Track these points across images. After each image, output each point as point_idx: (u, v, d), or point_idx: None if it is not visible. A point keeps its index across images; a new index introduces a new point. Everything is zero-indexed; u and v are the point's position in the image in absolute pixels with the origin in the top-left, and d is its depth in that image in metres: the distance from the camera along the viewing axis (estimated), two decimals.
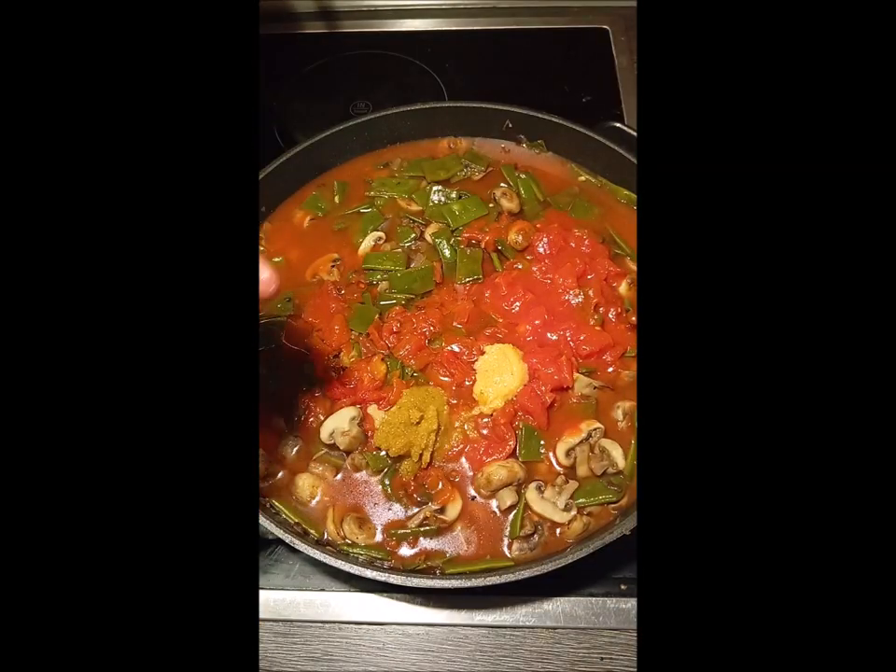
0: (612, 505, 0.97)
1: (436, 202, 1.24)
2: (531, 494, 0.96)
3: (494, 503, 0.97)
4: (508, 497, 0.95)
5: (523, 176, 1.27)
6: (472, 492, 0.98)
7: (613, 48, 1.69)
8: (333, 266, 1.17)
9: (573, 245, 1.16)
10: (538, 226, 1.19)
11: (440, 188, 1.25)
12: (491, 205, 1.23)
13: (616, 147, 1.21)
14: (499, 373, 1.02)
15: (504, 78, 1.63)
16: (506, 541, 0.95)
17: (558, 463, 1.00)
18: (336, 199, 1.27)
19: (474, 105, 1.30)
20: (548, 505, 0.95)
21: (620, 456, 0.98)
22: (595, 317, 1.09)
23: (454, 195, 1.24)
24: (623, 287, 1.13)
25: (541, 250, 1.15)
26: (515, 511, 0.95)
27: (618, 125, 1.28)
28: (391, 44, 1.72)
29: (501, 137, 1.33)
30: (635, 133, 1.24)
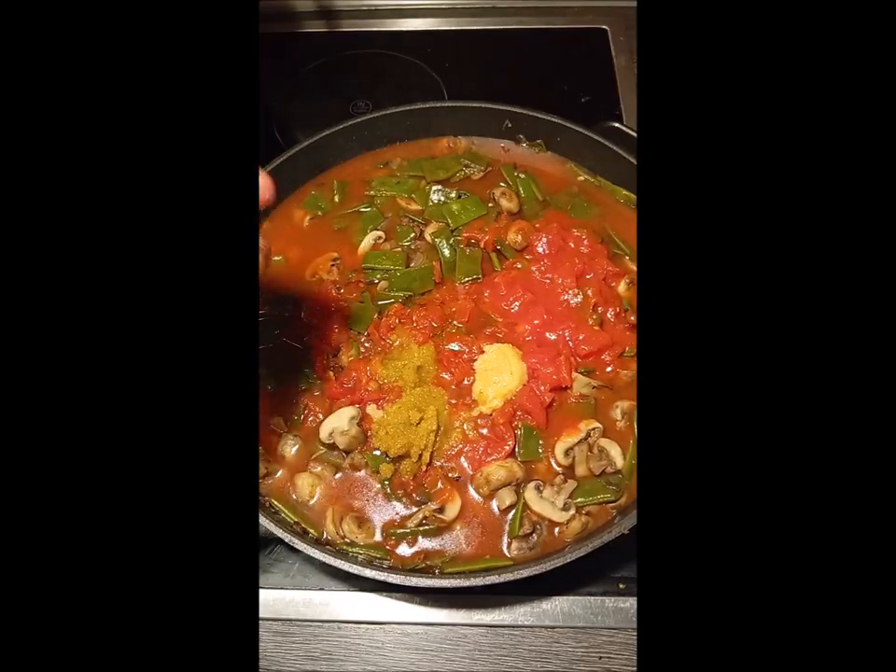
0: (611, 504, 0.97)
1: (435, 201, 1.24)
2: (530, 493, 0.96)
3: (494, 503, 0.97)
4: (507, 497, 0.95)
5: (522, 176, 1.27)
6: (472, 492, 0.98)
7: (612, 48, 1.69)
8: (333, 265, 1.17)
9: (572, 244, 1.16)
10: (536, 226, 1.19)
11: (439, 187, 1.25)
12: (490, 205, 1.23)
13: (615, 147, 1.21)
14: (498, 373, 1.02)
15: (504, 78, 1.63)
16: (505, 541, 0.95)
17: (557, 463, 1.00)
18: (336, 198, 1.27)
19: (474, 104, 1.31)
20: (546, 504, 0.95)
21: (618, 456, 0.99)
22: (594, 317, 1.09)
23: (453, 195, 1.24)
24: (622, 287, 1.14)
25: (540, 250, 1.15)
26: (514, 511, 0.96)
27: (617, 125, 1.28)
28: (391, 43, 1.72)
29: (501, 137, 1.33)
30: (634, 133, 1.25)
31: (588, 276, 1.13)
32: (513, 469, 0.96)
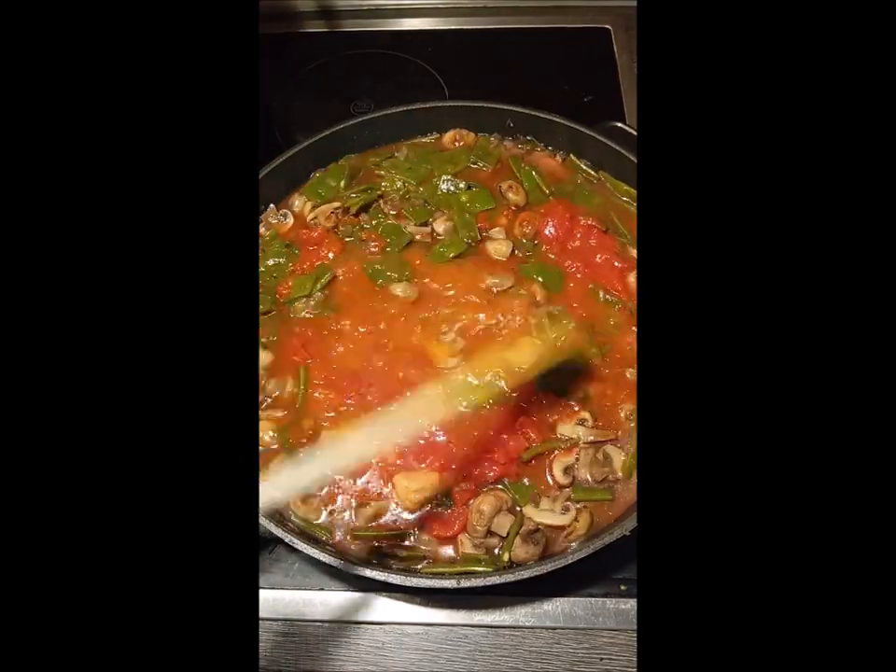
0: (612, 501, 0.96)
1: (444, 190, 1.23)
2: (528, 509, 0.94)
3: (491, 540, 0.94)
4: (506, 522, 0.92)
5: (526, 168, 1.26)
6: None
7: (614, 47, 1.69)
8: (333, 214, 1.19)
9: (579, 235, 1.17)
10: (542, 211, 1.19)
11: (449, 177, 1.24)
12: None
13: (617, 147, 1.21)
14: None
15: (505, 77, 1.63)
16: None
17: (556, 483, 0.98)
18: (342, 184, 1.27)
19: (475, 104, 1.30)
20: (546, 514, 0.94)
21: (621, 464, 0.98)
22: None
23: (462, 185, 1.23)
24: (632, 279, 1.13)
25: (548, 233, 1.17)
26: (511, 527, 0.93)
27: (619, 124, 1.28)
28: (392, 43, 1.72)
29: (502, 136, 1.33)
30: (635, 133, 1.24)
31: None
32: (499, 494, 0.94)
